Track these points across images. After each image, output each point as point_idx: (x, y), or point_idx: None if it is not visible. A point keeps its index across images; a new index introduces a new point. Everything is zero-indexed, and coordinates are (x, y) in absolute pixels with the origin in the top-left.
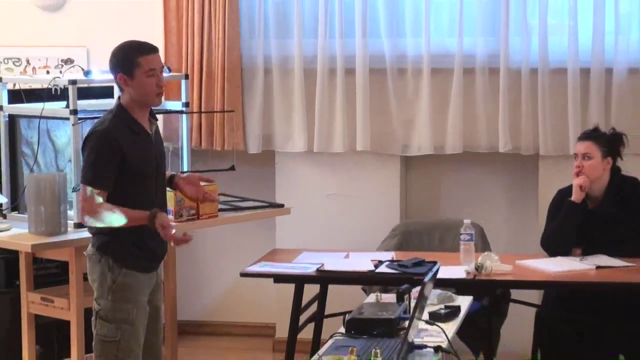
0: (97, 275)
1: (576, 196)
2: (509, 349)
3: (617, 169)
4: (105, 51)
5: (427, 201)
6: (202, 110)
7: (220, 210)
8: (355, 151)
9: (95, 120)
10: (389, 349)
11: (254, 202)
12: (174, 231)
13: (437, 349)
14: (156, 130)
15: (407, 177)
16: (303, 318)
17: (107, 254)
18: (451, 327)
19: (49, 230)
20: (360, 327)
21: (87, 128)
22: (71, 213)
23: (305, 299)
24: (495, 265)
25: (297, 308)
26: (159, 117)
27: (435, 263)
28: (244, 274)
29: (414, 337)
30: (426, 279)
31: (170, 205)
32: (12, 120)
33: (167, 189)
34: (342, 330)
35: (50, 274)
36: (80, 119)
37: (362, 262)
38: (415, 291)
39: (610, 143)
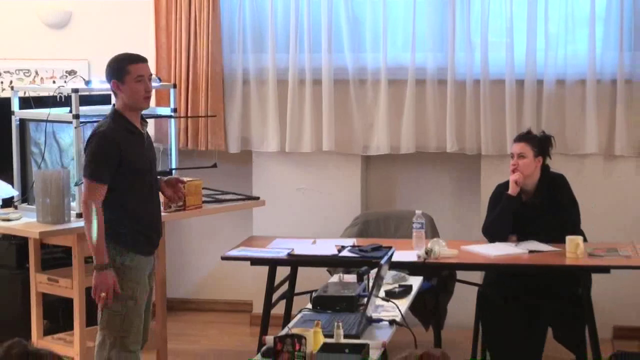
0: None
1: (512, 190)
2: (454, 322)
3: (546, 167)
4: (104, 64)
5: (384, 194)
6: (189, 115)
7: (204, 202)
8: (322, 151)
9: (95, 124)
10: (350, 322)
11: (233, 195)
12: (103, 294)
13: (392, 322)
14: (147, 133)
15: (367, 174)
16: (276, 296)
17: (118, 241)
18: (404, 304)
19: (54, 220)
20: (325, 303)
21: (87, 130)
22: (74, 204)
23: (277, 280)
24: (443, 250)
25: (271, 287)
26: (150, 121)
27: (390, 248)
28: (225, 258)
29: (372, 312)
30: (383, 261)
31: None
32: (23, 124)
33: None
34: (310, 306)
35: (56, 258)
36: (81, 122)
37: (327, 247)
38: (373, 272)
39: (541, 144)
